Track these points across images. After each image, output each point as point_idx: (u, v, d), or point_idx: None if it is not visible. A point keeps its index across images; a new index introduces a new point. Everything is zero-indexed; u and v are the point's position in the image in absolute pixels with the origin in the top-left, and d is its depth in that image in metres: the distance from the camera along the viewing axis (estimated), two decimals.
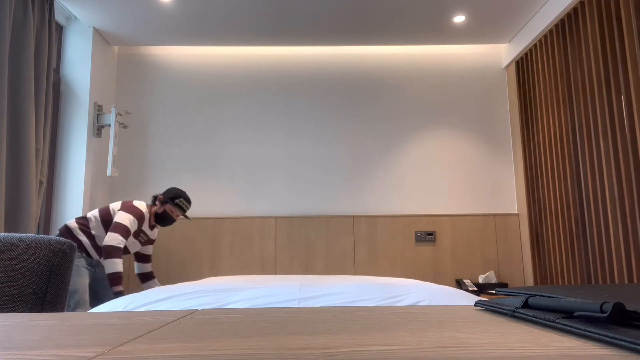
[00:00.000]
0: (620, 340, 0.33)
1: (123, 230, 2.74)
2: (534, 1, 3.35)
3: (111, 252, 2.67)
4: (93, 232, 2.81)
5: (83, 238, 2.78)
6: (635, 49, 2.52)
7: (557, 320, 0.41)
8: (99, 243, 2.82)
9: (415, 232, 3.83)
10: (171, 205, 2.97)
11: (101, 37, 3.79)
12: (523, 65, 3.86)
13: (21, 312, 0.99)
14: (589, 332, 0.37)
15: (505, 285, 3.70)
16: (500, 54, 4.11)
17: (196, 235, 3.80)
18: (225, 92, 4.04)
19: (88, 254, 2.81)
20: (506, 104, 4.05)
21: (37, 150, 2.91)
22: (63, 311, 1.03)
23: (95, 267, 2.89)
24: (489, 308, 0.56)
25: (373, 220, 3.85)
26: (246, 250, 3.79)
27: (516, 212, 3.90)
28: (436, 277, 3.78)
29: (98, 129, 3.63)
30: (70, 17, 3.61)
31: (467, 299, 1.70)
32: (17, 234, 1.06)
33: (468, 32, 3.81)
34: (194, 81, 4.05)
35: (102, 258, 2.70)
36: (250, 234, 3.81)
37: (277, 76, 4.07)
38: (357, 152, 3.96)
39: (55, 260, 1.04)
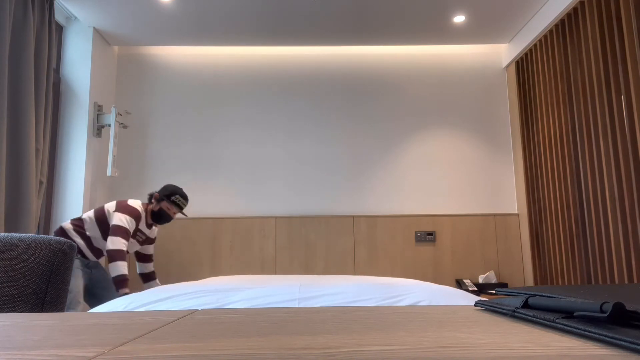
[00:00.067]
0: (620, 340, 0.33)
1: (123, 233, 2.71)
2: (534, 1, 3.35)
3: (115, 255, 2.65)
4: (88, 233, 2.77)
5: (78, 239, 2.76)
6: (635, 49, 2.52)
7: (557, 320, 0.41)
8: (95, 244, 2.78)
9: (415, 232, 3.83)
10: (167, 202, 2.92)
11: (101, 37, 3.79)
12: (523, 65, 3.86)
13: (21, 312, 0.99)
14: (589, 332, 0.37)
15: (505, 285, 3.70)
16: (500, 54, 4.11)
17: (196, 235, 3.80)
18: (225, 92, 4.04)
19: (84, 255, 2.78)
20: (506, 104, 4.05)
21: (37, 150, 2.91)
22: (63, 311, 1.03)
23: (91, 269, 2.85)
24: (489, 308, 0.56)
25: (373, 220, 3.85)
26: (246, 250, 3.79)
27: (516, 212, 3.90)
28: (436, 277, 3.78)
29: (98, 129, 3.63)
30: (70, 17, 3.61)
31: (467, 299, 1.70)
32: (17, 234, 1.06)
33: (468, 32, 3.81)
34: (194, 81, 4.05)
35: (107, 262, 2.67)
36: (250, 234, 3.81)
37: (277, 76, 4.07)
38: (357, 152, 3.96)
39: (55, 260, 1.04)
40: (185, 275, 3.75)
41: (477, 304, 0.60)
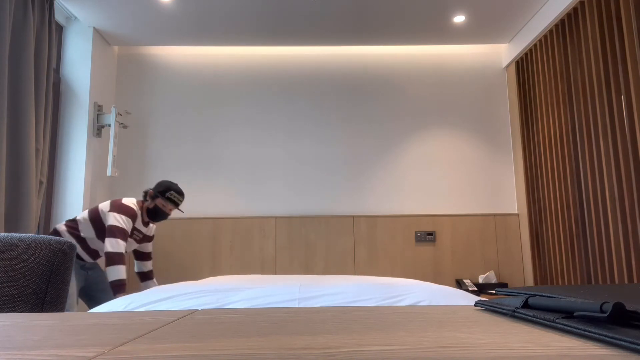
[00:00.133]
0: (620, 340, 0.33)
1: (120, 233, 2.65)
2: (534, 1, 3.35)
3: (114, 258, 2.60)
4: (83, 234, 2.72)
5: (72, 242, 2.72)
6: (635, 49, 2.52)
7: (557, 320, 0.41)
8: (91, 246, 2.74)
9: (415, 232, 3.83)
10: (162, 199, 2.85)
11: (101, 37, 3.79)
12: (523, 65, 3.86)
13: (21, 312, 0.99)
14: (589, 332, 0.37)
15: (505, 285, 3.70)
16: (500, 54, 4.11)
17: (196, 235, 3.80)
18: (225, 92, 4.04)
19: (79, 257, 2.74)
20: (506, 104, 4.05)
21: (37, 150, 2.91)
22: (63, 311, 1.03)
23: (88, 270, 2.81)
24: (489, 308, 0.56)
25: (373, 220, 3.85)
26: (246, 250, 3.79)
27: (516, 212, 3.90)
28: (436, 277, 3.78)
29: (98, 129, 3.63)
30: (70, 17, 3.61)
31: (467, 299, 1.70)
32: (17, 234, 1.06)
33: (468, 32, 3.81)
34: (194, 81, 4.05)
35: (105, 265, 2.63)
36: (250, 234, 3.81)
37: (277, 76, 4.07)
38: (357, 152, 3.96)
39: (55, 260, 1.04)
40: (185, 275, 3.75)
41: (477, 304, 0.60)
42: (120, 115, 3.69)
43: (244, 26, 3.67)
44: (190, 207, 3.87)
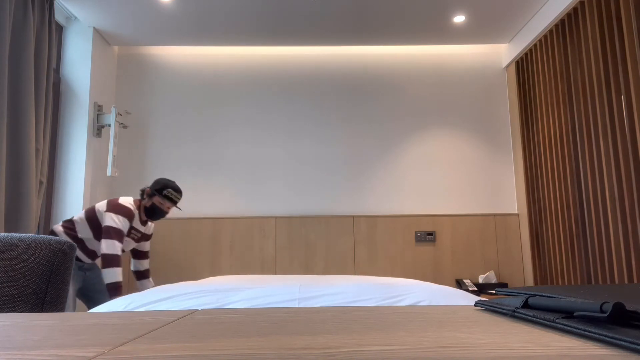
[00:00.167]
0: (620, 340, 0.33)
1: (116, 234, 2.62)
2: (534, 1, 3.35)
3: (110, 261, 2.56)
4: (80, 235, 2.70)
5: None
6: (635, 49, 2.52)
7: (557, 320, 0.41)
8: (89, 246, 2.71)
9: (415, 232, 3.83)
10: (159, 197, 2.81)
11: (101, 37, 3.79)
12: (523, 65, 3.86)
13: (21, 312, 0.99)
14: (589, 332, 0.37)
15: (505, 285, 3.70)
16: (500, 54, 4.11)
17: (196, 235, 3.80)
18: (225, 92, 4.04)
19: (77, 258, 2.72)
20: (506, 104, 4.05)
21: (37, 150, 2.91)
22: (63, 311, 1.03)
23: (86, 271, 2.79)
24: (489, 308, 0.56)
25: (373, 220, 3.85)
26: (246, 250, 3.79)
27: (516, 212, 3.90)
28: (436, 277, 3.78)
29: (98, 129, 3.63)
30: (70, 17, 3.61)
31: (467, 299, 1.70)
32: (17, 234, 1.06)
33: (468, 32, 3.81)
34: (194, 81, 4.05)
35: (102, 267, 2.60)
36: (250, 234, 3.81)
37: (277, 76, 4.07)
38: (357, 152, 3.96)
39: (55, 260, 1.04)
40: (185, 275, 3.75)
41: (477, 304, 0.60)
42: (120, 115, 3.69)
43: (244, 26, 3.67)
44: (190, 207, 3.87)
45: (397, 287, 1.78)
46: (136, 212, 2.79)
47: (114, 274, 2.56)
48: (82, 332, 0.45)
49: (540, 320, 0.44)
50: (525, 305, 0.50)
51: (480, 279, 3.69)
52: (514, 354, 0.32)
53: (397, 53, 4.10)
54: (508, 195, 3.93)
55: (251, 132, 3.98)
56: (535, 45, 3.65)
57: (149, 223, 2.96)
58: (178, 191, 2.86)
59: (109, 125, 3.60)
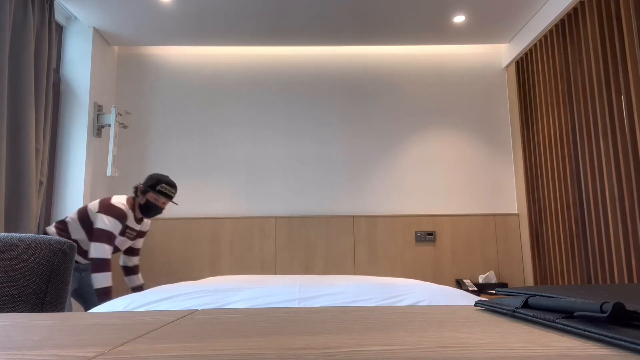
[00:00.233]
0: (620, 340, 0.33)
1: (107, 238, 2.54)
2: (534, 1, 3.35)
3: (99, 265, 2.49)
4: (73, 236, 2.64)
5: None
6: (635, 49, 2.52)
7: (557, 320, 0.41)
8: (83, 247, 2.66)
9: (415, 232, 3.83)
10: (153, 193, 2.72)
11: (101, 37, 3.79)
12: (523, 65, 3.86)
13: (21, 312, 0.99)
14: (589, 332, 0.37)
15: (505, 285, 3.70)
16: (500, 54, 4.11)
17: (196, 235, 3.80)
18: (225, 92, 4.04)
19: None
20: (506, 104, 4.05)
21: (37, 150, 2.91)
22: (63, 311, 1.03)
23: (81, 272, 2.75)
24: (489, 308, 0.56)
25: (373, 220, 3.85)
26: (246, 250, 3.79)
27: (516, 212, 3.90)
28: (436, 277, 3.78)
29: (98, 129, 3.63)
30: (70, 17, 3.61)
31: (467, 299, 1.70)
32: (17, 234, 1.06)
33: (468, 32, 3.81)
34: (194, 81, 4.05)
35: (91, 271, 2.53)
36: (250, 234, 3.81)
37: (277, 76, 4.07)
38: (357, 152, 3.96)
39: (55, 260, 1.04)
40: (185, 275, 3.75)
41: (477, 304, 0.60)
42: (120, 115, 3.69)
43: (244, 26, 3.67)
44: (190, 207, 3.87)
45: (397, 287, 1.78)
46: (129, 211, 2.71)
47: (103, 279, 2.49)
48: (82, 332, 0.45)
49: (540, 320, 0.44)
50: (525, 305, 0.50)
51: (480, 279, 3.69)
52: (514, 354, 0.32)
53: (397, 53, 4.10)
54: (508, 195, 3.93)
55: (251, 132, 3.98)
56: (535, 45, 3.65)
57: (145, 220, 2.89)
58: (172, 185, 2.78)
59: (109, 125, 3.60)
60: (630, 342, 0.32)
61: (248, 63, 4.08)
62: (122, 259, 3.01)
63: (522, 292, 0.53)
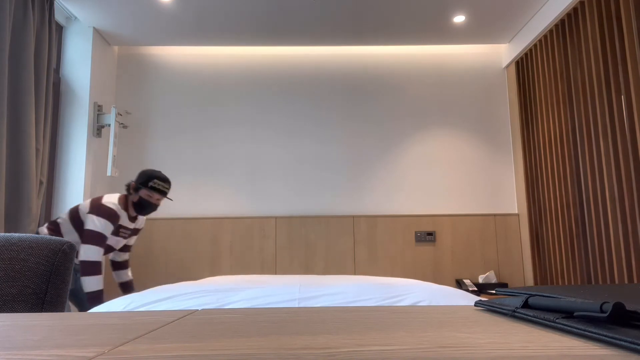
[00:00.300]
0: (620, 340, 0.33)
1: (97, 239, 2.45)
2: (534, 1, 3.35)
3: (88, 268, 2.40)
4: (65, 238, 2.52)
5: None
6: (635, 49, 2.52)
7: (557, 320, 0.41)
8: (77, 248, 2.58)
9: (415, 232, 3.83)
10: (146, 190, 2.61)
11: (101, 37, 3.79)
12: (523, 65, 3.86)
13: (21, 312, 0.99)
14: (589, 332, 0.37)
15: (505, 285, 3.70)
16: (500, 54, 4.11)
17: (196, 235, 3.80)
18: (225, 92, 4.04)
19: None
20: (506, 104, 4.05)
21: (37, 150, 2.91)
22: (63, 311, 1.03)
23: (77, 272, 2.68)
24: (489, 308, 0.56)
25: (373, 220, 3.85)
26: (246, 250, 3.79)
27: (516, 212, 3.90)
28: (436, 277, 3.78)
29: (98, 129, 3.64)
30: (70, 17, 3.61)
31: (467, 299, 1.71)
32: (17, 234, 1.06)
33: (468, 32, 3.81)
34: (194, 81, 4.05)
35: (80, 275, 2.45)
36: (250, 234, 3.81)
37: (277, 76, 4.07)
38: (357, 152, 3.96)
39: (55, 260, 1.04)
40: (185, 275, 3.75)
41: (477, 304, 0.60)
42: (120, 115, 3.69)
43: (244, 26, 3.67)
44: (190, 207, 3.87)
45: (397, 287, 1.78)
46: (121, 211, 2.61)
47: (93, 282, 2.41)
48: (82, 332, 0.45)
49: (540, 320, 0.44)
50: (525, 305, 0.50)
51: (480, 279, 3.69)
52: (514, 354, 0.32)
53: (397, 53, 4.10)
54: (508, 195, 3.93)
55: (251, 132, 3.98)
56: (535, 45, 3.65)
57: (140, 217, 2.80)
58: (165, 181, 2.67)
59: (109, 125, 3.60)
60: (630, 342, 0.32)
61: (248, 63, 4.08)
62: (111, 254, 2.92)
63: (522, 292, 0.53)
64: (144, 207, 2.66)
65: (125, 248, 2.88)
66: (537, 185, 3.62)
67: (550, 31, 3.42)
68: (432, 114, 4.02)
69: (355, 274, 3.78)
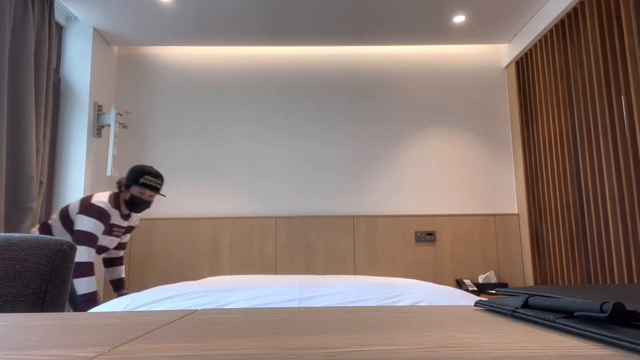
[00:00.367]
0: (620, 340, 0.33)
1: (88, 240, 2.38)
2: (534, 1, 3.35)
3: (81, 270, 2.33)
4: None
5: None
6: (635, 49, 2.52)
7: (557, 320, 0.41)
8: None
9: (415, 232, 3.83)
10: (137, 186, 2.52)
11: (101, 37, 3.79)
12: (523, 65, 3.86)
13: (21, 312, 0.99)
14: (589, 332, 0.37)
15: (505, 285, 3.70)
16: (500, 54, 4.11)
17: (196, 235, 3.80)
18: (225, 92, 4.04)
19: None
20: (506, 104, 4.05)
21: (37, 150, 2.91)
22: (63, 311, 1.03)
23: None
24: (489, 308, 0.56)
25: (373, 220, 3.85)
26: (246, 250, 3.79)
27: (516, 212, 3.90)
28: (436, 277, 3.78)
29: (98, 129, 3.64)
30: (70, 17, 3.61)
31: (467, 299, 1.70)
32: (17, 234, 1.06)
33: (468, 32, 3.81)
34: (194, 81, 4.05)
35: (72, 277, 2.42)
36: (250, 234, 3.81)
37: (277, 76, 4.07)
38: (357, 152, 3.96)
39: (55, 260, 1.04)
40: (185, 275, 3.75)
41: (477, 304, 0.60)
42: (120, 115, 3.69)
43: (244, 26, 3.67)
44: (190, 207, 3.87)
45: (397, 287, 1.78)
46: (112, 210, 2.53)
47: (87, 284, 2.34)
48: (82, 332, 0.45)
49: (540, 320, 0.44)
50: (525, 305, 0.50)
51: (480, 279, 3.69)
52: (514, 354, 0.32)
53: (397, 53, 4.10)
54: (508, 195, 3.93)
55: (251, 132, 3.98)
56: (535, 45, 3.65)
57: (133, 215, 2.73)
58: (157, 176, 2.57)
59: (109, 125, 3.60)
60: (630, 342, 0.32)
61: (248, 63, 4.08)
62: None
63: (522, 292, 0.53)
64: (136, 204, 2.57)
65: (120, 245, 2.81)
66: (537, 185, 3.62)
67: (550, 31, 3.42)
68: (432, 114, 4.02)
69: (355, 274, 3.78)
